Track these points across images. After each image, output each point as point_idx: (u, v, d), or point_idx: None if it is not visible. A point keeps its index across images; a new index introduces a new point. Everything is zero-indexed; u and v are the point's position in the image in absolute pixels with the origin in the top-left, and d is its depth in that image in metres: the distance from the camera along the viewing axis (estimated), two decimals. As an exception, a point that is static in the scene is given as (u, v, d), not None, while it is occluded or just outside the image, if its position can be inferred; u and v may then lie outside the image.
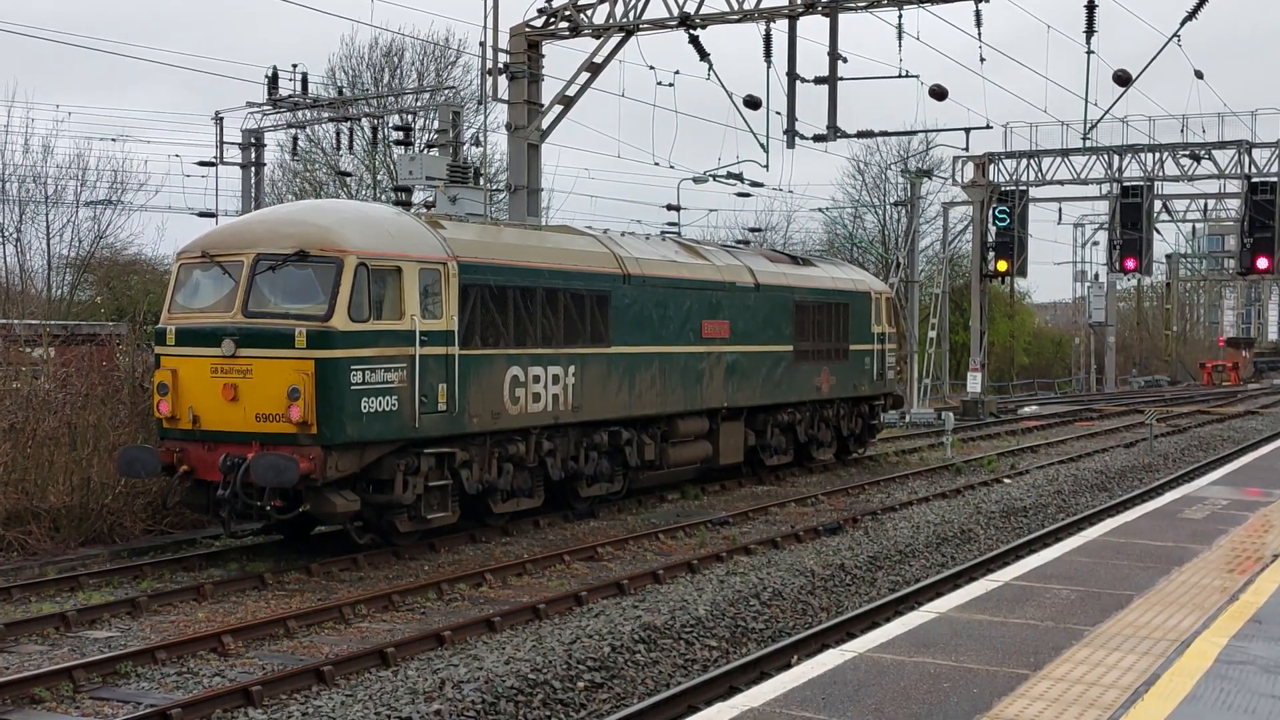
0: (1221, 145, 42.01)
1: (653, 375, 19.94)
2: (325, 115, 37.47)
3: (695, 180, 38.03)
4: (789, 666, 9.54)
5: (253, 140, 37.59)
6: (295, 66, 36.24)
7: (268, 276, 15.05)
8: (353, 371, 14.75)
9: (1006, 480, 25.06)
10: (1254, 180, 40.44)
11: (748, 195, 40.13)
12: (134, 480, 16.55)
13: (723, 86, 26.06)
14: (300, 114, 37.12)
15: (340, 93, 39.23)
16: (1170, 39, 25.17)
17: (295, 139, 39.31)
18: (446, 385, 15.86)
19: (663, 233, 30.54)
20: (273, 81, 35.69)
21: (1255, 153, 41.77)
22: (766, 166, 27.69)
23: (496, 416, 16.77)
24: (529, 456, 17.67)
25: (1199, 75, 31.24)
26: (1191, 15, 24.50)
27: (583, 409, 18.40)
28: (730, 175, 34.48)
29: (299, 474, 14.15)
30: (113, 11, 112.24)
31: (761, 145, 26.80)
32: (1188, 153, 42.36)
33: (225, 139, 37.32)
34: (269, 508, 14.77)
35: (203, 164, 38.67)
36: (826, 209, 65.14)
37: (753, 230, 57.72)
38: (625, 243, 20.67)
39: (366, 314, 14.97)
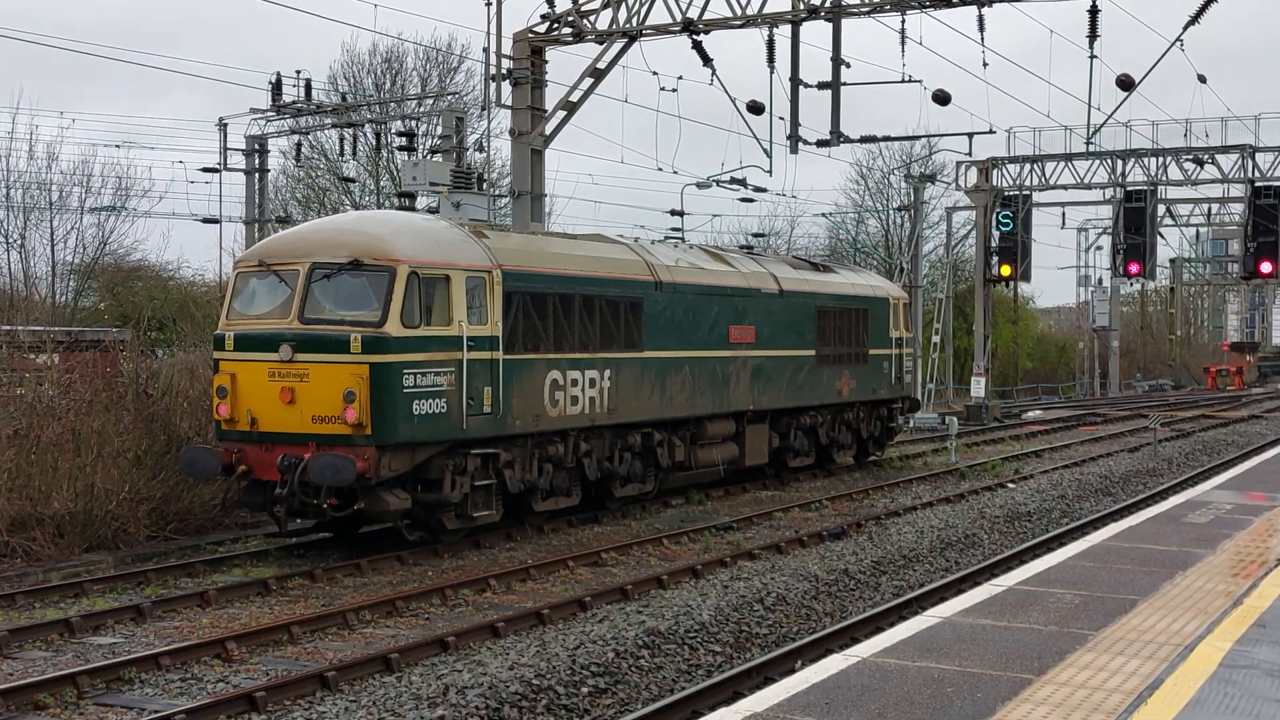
0: (1225, 150, 41.98)
1: (683, 379, 20.52)
2: (328, 121, 37.50)
3: (699, 185, 38.01)
4: (793, 671, 9.53)
5: (256, 146, 37.63)
6: (299, 73, 36.35)
7: (323, 284, 15.67)
8: (405, 375, 15.36)
9: (1010, 485, 25.03)
10: (1258, 184, 40.43)
11: (751, 200, 40.07)
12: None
13: (726, 92, 26.09)
14: (304, 120, 37.16)
15: (343, 99, 39.27)
16: (1173, 43, 25.18)
17: (299, 145, 39.34)
18: (491, 388, 16.51)
19: (667, 237, 30.52)
20: (276, 88, 35.73)
21: (1259, 157, 41.76)
22: (770, 172, 27.68)
23: (537, 418, 17.39)
24: (567, 457, 18.26)
25: (1202, 79, 31.23)
26: (1194, 19, 24.50)
27: (617, 411, 19.00)
28: (734, 180, 34.44)
29: (355, 473, 14.75)
30: (131, 22, 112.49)
31: (765, 150, 26.82)
32: (1191, 157, 42.34)
33: (229, 145, 37.38)
34: (325, 506, 15.33)
35: (207, 170, 38.74)
36: (830, 214, 65.13)
37: (756, 235, 57.68)
38: (656, 250, 21.27)
39: (417, 320, 15.63)
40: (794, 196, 57.56)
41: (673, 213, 44.57)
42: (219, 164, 37.59)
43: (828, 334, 24.81)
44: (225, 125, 37.29)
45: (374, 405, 15.10)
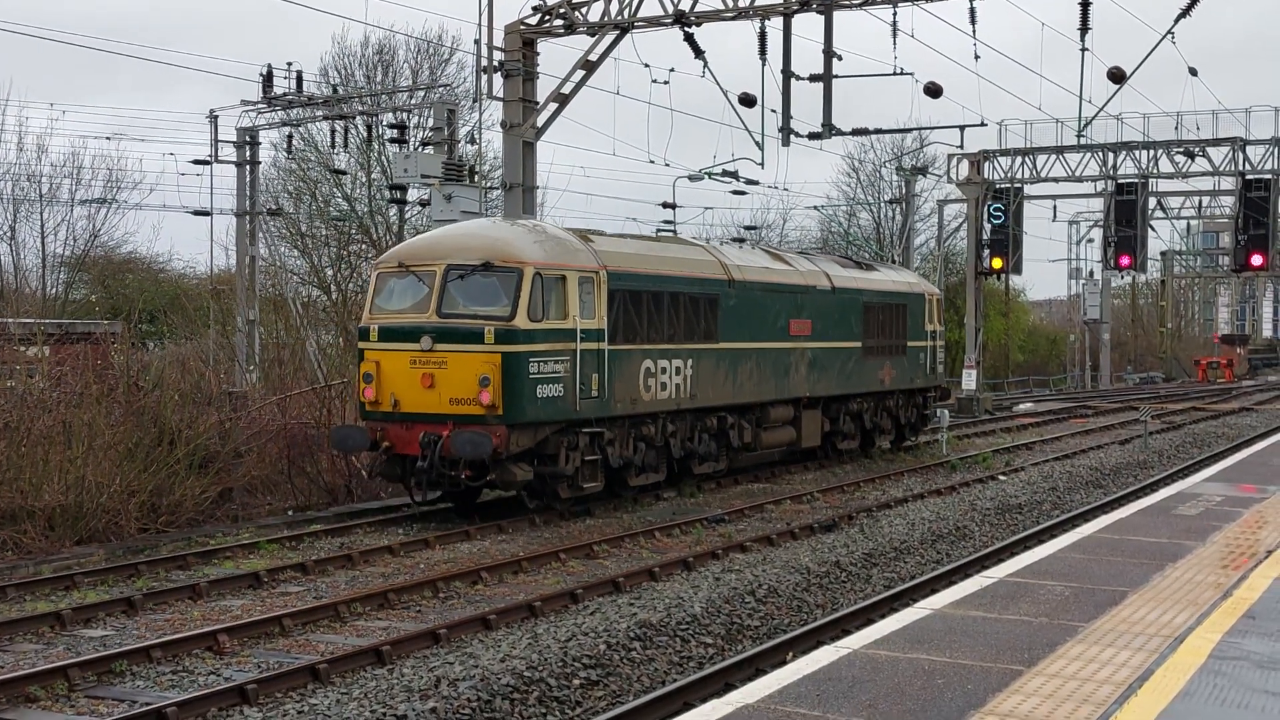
0: (1216, 142, 42.06)
1: (751, 368, 22.50)
2: (319, 113, 37.42)
3: (691, 178, 38.05)
4: (784, 663, 9.55)
5: (247, 139, 37.54)
6: (290, 65, 36.22)
7: (457, 283, 17.80)
8: (530, 363, 17.53)
9: (1001, 477, 25.09)
10: (1248, 177, 40.51)
11: (743, 193, 40.20)
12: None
13: (718, 84, 26.16)
14: (295, 112, 37.06)
15: (334, 91, 39.17)
16: (1164, 36, 25.22)
17: (290, 137, 39.24)
18: (598, 375, 18.62)
19: (659, 230, 30.49)
20: (267, 80, 35.65)
21: (1249, 150, 41.83)
22: (762, 164, 27.71)
23: (634, 402, 19.47)
24: (657, 437, 20.32)
25: (1193, 72, 31.31)
26: (1185, 12, 24.54)
27: (697, 397, 21.02)
28: (726, 173, 34.47)
29: (492, 448, 16.96)
30: (127, 18, 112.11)
31: (757, 143, 26.82)
32: (1182, 150, 42.40)
33: (220, 138, 37.27)
34: (462, 477, 17.49)
35: (197, 163, 38.64)
36: (822, 207, 65.17)
37: (749, 228, 57.78)
38: (726, 251, 23.53)
39: (540, 315, 17.76)
40: (786, 189, 57.71)
41: (665, 205, 44.65)
42: (210, 156, 37.50)
43: (872, 327, 26.77)
44: (216, 117, 37.22)
45: (505, 389, 17.28)
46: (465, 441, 16.96)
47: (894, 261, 47.09)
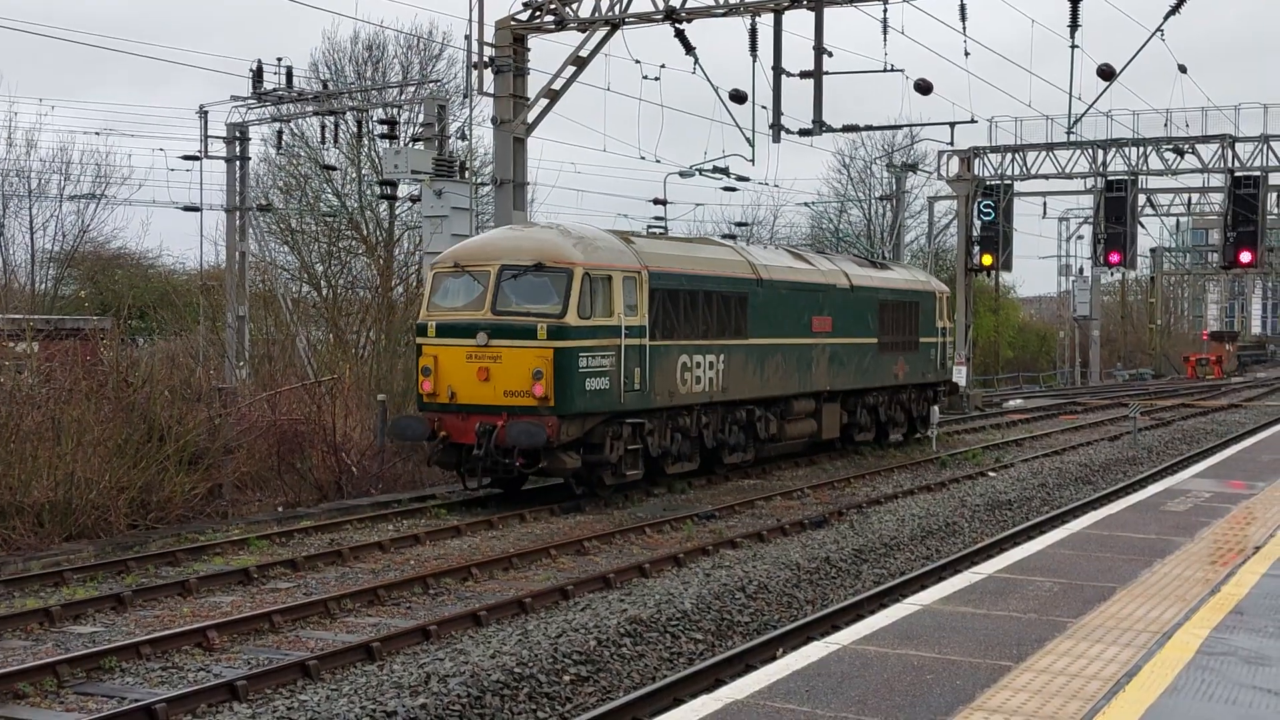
0: (1205, 140, 42.14)
1: (776, 362, 23.61)
2: (310, 109, 37.31)
3: (681, 174, 38.03)
4: (774, 659, 9.56)
5: (237, 134, 37.43)
6: (280, 60, 36.11)
7: (511, 282, 18.92)
8: (580, 358, 18.65)
9: (991, 473, 25.13)
10: (1237, 175, 40.59)
11: (734, 190, 40.22)
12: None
13: (708, 80, 26.07)
14: (285, 108, 36.96)
15: (324, 86, 39.07)
16: (1154, 33, 25.25)
17: (280, 133, 39.11)
18: (640, 369, 19.73)
19: (649, 226, 30.51)
20: (257, 75, 35.52)
21: (1238, 147, 41.92)
22: (752, 161, 27.77)
23: (672, 395, 20.60)
24: (691, 428, 21.48)
25: (1182, 69, 31.34)
26: (1175, 9, 24.57)
27: (728, 390, 22.12)
28: (716, 169, 34.49)
29: (545, 438, 18.02)
30: (119, 15, 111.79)
31: (747, 139, 26.84)
32: (1171, 147, 42.47)
33: (210, 133, 37.16)
34: (516, 465, 18.51)
35: (187, 158, 38.50)
36: (812, 203, 65.17)
37: (739, 225, 57.77)
38: (753, 252, 24.55)
39: (589, 312, 18.90)
40: (776, 186, 57.54)
41: (655, 201, 44.61)
42: (200, 152, 37.38)
43: (887, 324, 27.82)
44: (206, 113, 37.07)
45: (556, 382, 18.38)
46: (521, 431, 18.04)
47: (883, 258, 47.13)
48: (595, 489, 19.79)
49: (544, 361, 18.38)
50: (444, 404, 18.99)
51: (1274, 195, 52.61)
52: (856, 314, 26.61)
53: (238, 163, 37.62)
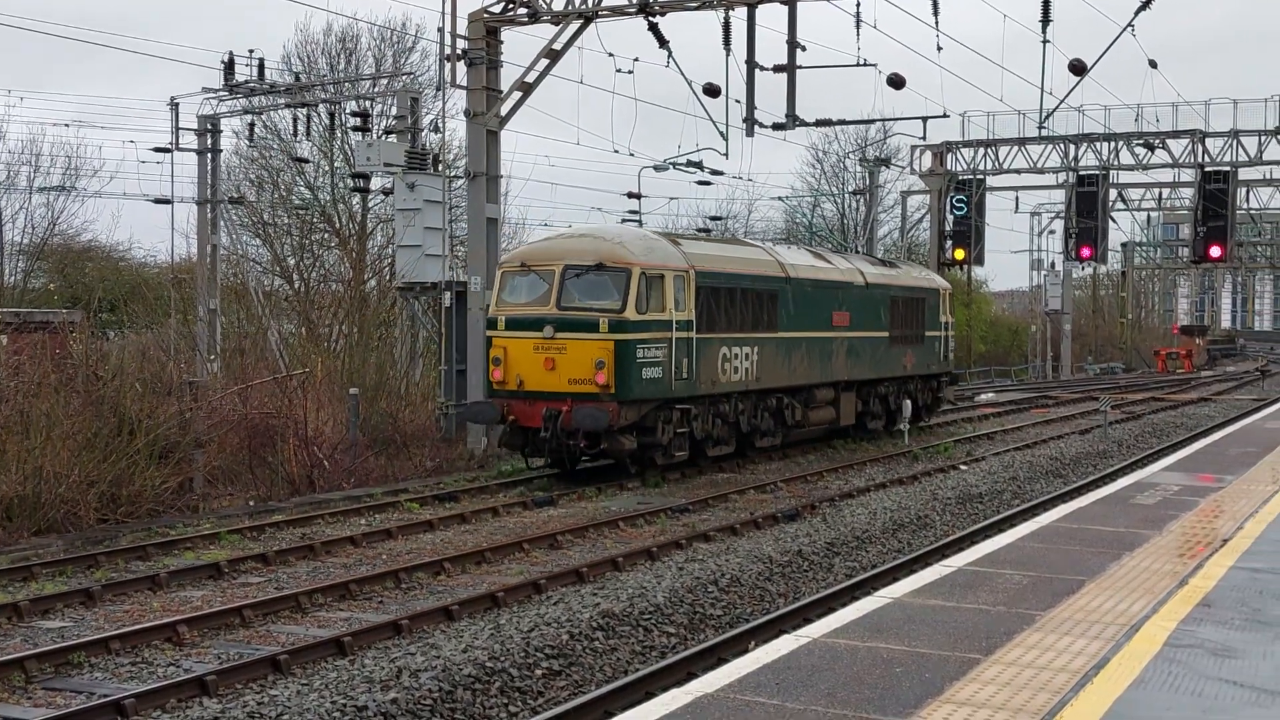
0: (1175, 135, 42.37)
1: (802, 354, 25.36)
2: (282, 102, 37.12)
3: (656, 168, 38.00)
4: (745, 652, 9.58)
5: (209, 127, 37.21)
6: (251, 52, 35.92)
7: (574, 280, 20.72)
8: (638, 349, 20.44)
9: (963, 467, 25.24)
10: (1207, 169, 40.83)
11: (708, 184, 40.11)
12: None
13: (682, 74, 26.07)
14: (257, 100, 36.77)
15: (297, 79, 38.87)
16: (1124, 28, 25.38)
17: (251, 125, 38.90)
18: (688, 360, 21.48)
19: (624, 220, 30.46)
20: (229, 67, 35.32)
21: (1208, 142, 42.18)
22: (726, 155, 27.71)
23: (714, 383, 22.33)
24: (730, 414, 23.16)
25: (1153, 64, 31.48)
26: (1145, 5, 24.69)
27: (761, 379, 23.89)
28: (690, 163, 34.48)
29: (608, 421, 19.79)
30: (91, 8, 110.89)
31: (721, 133, 26.83)
32: (1142, 142, 42.69)
33: (181, 125, 36.93)
34: (580, 445, 20.32)
35: (158, 150, 38.28)
36: (786, 198, 65.25)
37: (714, 219, 57.78)
38: (780, 251, 26.44)
39: (645, 308, 20.67)
40: (750, 180, 57.77)
41: (630, 195, 44.61)
42: (171, 144, 37.15)
43: (897, 319, 29.49)
44: (177, 105, 36.85)
45: (617, 371, 20.15)
46: (587, 415, 19.75)
47: (857, 252, 47.28)
48: (646, 468, 21.60)
49: (605, 352, 20.13)
50: (512, 391, 20.72)
51: (1244, 190, 53.08)
52: (871, 309, 28.26)
53: (209, 155, 37.40)
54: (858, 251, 47.23)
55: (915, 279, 31.95)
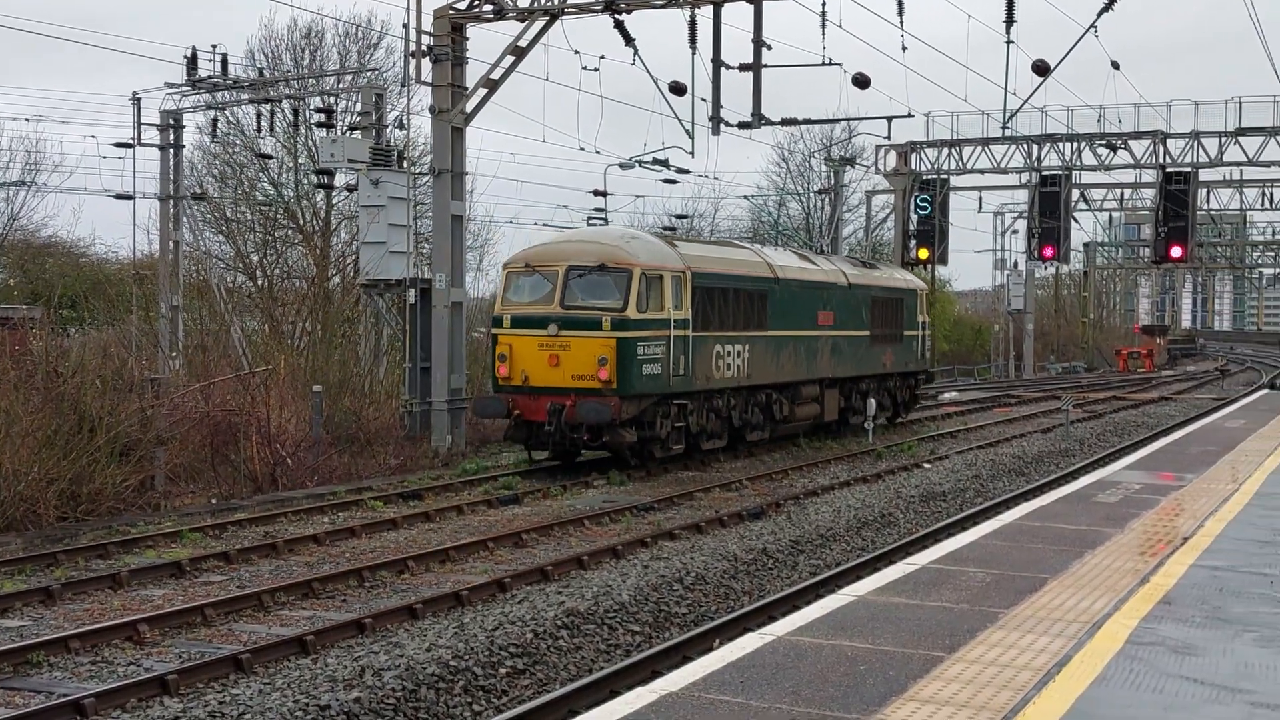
0: (1137, 135, 42.69)
1: (789, 352, 26.25)
2: (245, 97, 36.87)
3: (622, 166, 37.94)
4: (710, 650, 9.58)
5: (171, 122, 36.92)
6: (215, 47, 35.66)
7: (577, 281, 21.61)
8: (638, 346, 21.30)
9: (926, 465, 25.35)
10: (1168, 170, 41.15)
11: (674, 182, 40.10)
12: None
13: (648, 72, 26.05)
14: (220, 95, 36.50)
15: (261, 74, 38.60)
16: (1087, 30, 25.52)
17: (214, 121, 38.63)
18: (685, 357, 22.37)
19: (589, 218, 30.43)
20: (192, 62, 35.05)
21: (1170, 143, 42.52)
22: (692, 153, 27.68)
23: (709, 380, 23.28)
24: (723, 409, 24.12)
25: (1115, 66, 31.68)
26: (1108, 7, 24.85)
27: (751, 376, 24.77)
28: (656, 161, 34.45)
29: (610, 415, 20.73)
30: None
31: (687, 132, 26.79)
32: (1104, 143, 42.98)
33: (143, 120, 36.62)
34: (583, 438, 21.32)
35: (120, 145, 37.93)
36: (752, 196, 65.38)
37: (679, 217, 57.80)
38: (769, 253, 27.35)
39: (645, 307, 21.54)
40: (716, 178, 57.83)
41: (596, 193, 44.53)
42: (133, 139, 36.83)
43: (877, 318, 30.46)
44: (139, 100, 36.55)
45: (619, 367, 21.04)
46: (591, 409, 20.71)
47: (822, 251, 47.42)
48: (646, 461, 22.41)
49: (608, 349, 21.04)
50: (518, 386, 21.58)
51: (1204, 191, 53.53)
52: (853, 309, 29.22)
53: (171, 150, 37.12)
54: (822, 251, 47.39)
55: (894, 280, 32.87)
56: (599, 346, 21.08)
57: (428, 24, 25.82)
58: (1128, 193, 61.04)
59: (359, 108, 33.53)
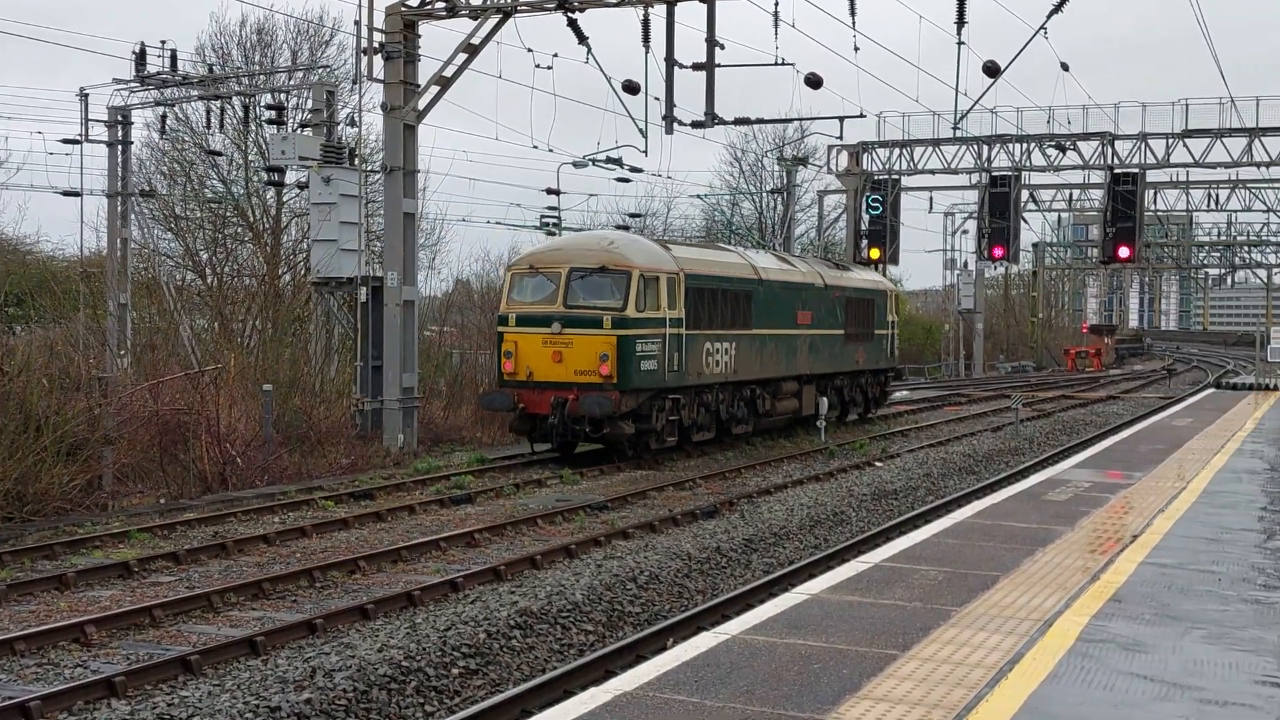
0: (1086, 137, 43.12)
1: (772, 350, 27.58)
2: (195, 93, 36.52)
3: (575, 165, 37.89)
4: (664, 649, 9.58)
5: (119, 118, 36.50)
6: (164, 43, 35.28)
7: (579, 281, 22.84)
8: (637, 343, 22.57)
9: (878, 464, 25.48)
10: (1116, 171, 41.55)
11: (628, 180, 40.07)
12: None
13: (601, 71, 26.06)
14: (169, 92, 36.13)
15: (210, 71, 38.24)
16: (1037, 31, 25.73)
17: (164, 117, 38.20)
18: (679, 354, 23.72)
19: (542, 217, 30.35)
20: (140, 58, 34.67)
21: (1118, 144, 42.98)
22: (645, 152, 27.64)
23: (700, 375, 24.61)
24: (712, 404, 25.52)
25: (1065, 67, 31.95)
26: (1058, 8, 25.05)
27: (738, 372, 26.14)
28: (610, 160, 34.44)
29: (612, 408, 21.87)
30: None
31: (640, 131, 26.73)
32: (1054, 144, 43.37)
33: (91, 116, 36.19)
34: (585, 430, 22.54)
35: (67, 142, 37.46)
36: (705, 195, 65.42)
37: (633, 216, 57.75)
38: (751, 255, 28.78)
39: (643, 307, 22.81)
40: (670, 178, 57.85)
41: (549, 191, 44.43)
42: (80, 135, 36.39)
43: (851, 318, 31.96)
44: (87, 96, 36.11)
45: (619, 363, 22.30)
46: (593, 402, 21.89)
47: (774, 250, 47.59)
48: (641, 453, 23.63)
49: (609, 346, 22.28)
50: (522, 381, 22.75)
51: (1151, 192, 54.11)
52: (829, 309, 30.61)
53: (119, 147, 36.72)
54: (773, 250, 47.54)
55: (865, 281, 34.47)
56: (600, 343, 22.29)
57: (380, 21, 25.69)
58: (1076, 193, 61.66)
59: (310, 105, 33.27)
